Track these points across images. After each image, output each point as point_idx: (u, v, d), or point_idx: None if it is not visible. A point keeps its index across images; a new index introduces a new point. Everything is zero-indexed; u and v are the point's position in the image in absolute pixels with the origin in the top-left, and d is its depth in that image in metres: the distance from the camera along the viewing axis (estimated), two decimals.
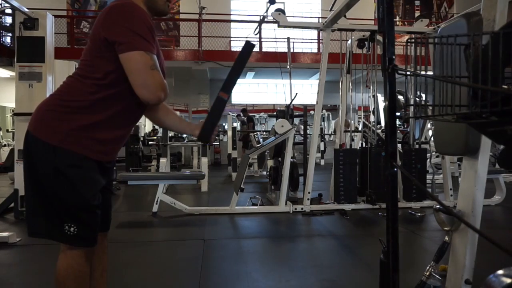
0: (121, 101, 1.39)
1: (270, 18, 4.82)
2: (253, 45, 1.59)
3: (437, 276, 1.89)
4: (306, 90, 12.61)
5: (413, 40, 1.09)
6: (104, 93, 1.35)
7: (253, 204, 4.75)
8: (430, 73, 1.14)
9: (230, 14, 12.51)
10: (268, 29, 9.06)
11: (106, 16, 1.32)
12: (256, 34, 6.11)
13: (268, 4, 5.09)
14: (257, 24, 6.06)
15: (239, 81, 1.59)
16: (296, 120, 7.88)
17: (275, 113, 5.86)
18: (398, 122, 5.24)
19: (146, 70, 1.29)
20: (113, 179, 1.66)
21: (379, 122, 5.63)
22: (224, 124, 15.83)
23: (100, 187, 1.42)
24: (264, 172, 7.49)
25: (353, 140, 5.20)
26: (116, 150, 1.51)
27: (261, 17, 5.36)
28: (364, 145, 4.97)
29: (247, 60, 1.59)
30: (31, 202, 1.39)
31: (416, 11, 13.27)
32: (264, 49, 10.04)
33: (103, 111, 1.37)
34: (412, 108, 1.11)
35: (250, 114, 14.37)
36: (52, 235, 1.37)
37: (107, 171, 1.50)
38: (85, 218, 1.36)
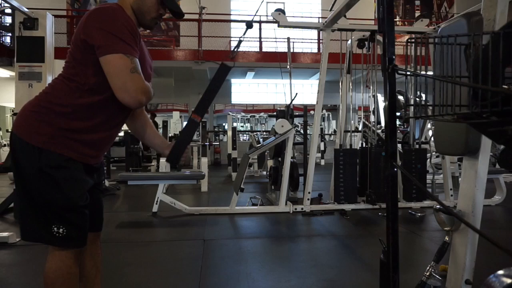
0: (105, 107, 1.38)
1: (270, 18, 4.79)
2: (229, 68, 1.59)
3: (437, 276, 1.89)
4: (306, 90, 12.61)
5: (413, 40, 1.09)
6: (88, 99, 1.34)
7: (253, 204, 4.74)
8: (430, 73, 1.14)
9: (230, 14, 12.50)
10: (268, 29, 9.08)
11: (87, 18, 1.31)
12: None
13: (246, 28, 4.56)
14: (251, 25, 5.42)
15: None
16: (296, 121, 7.86)
17: (275, 113, 5.84)
18: (398, 122, 5.24)
19: (125, 73, 1.27)
20: (103, 179, 1.65)
21: (379, 122, 5.63)
22: (224, 124, 15.84)
23: (87, 187, 1.41)
24: (264, 172, 7.48)
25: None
26: (102, 152, 1.50)
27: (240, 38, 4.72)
28: (364, 145, 4.98)
29: (222, 83, 1.60)
30: (19, 204, 1.38)
31: (416, 11, 13.26)
32: (264, 49, 10.04)
33: (87, 117, 1.36)
34: (412, 108, 1.11)
35: (250, 114, 14.27)
36: (41, 237, 1.35)
37: (94, 171, 1.49)
38: (73, 218, 1.35)
